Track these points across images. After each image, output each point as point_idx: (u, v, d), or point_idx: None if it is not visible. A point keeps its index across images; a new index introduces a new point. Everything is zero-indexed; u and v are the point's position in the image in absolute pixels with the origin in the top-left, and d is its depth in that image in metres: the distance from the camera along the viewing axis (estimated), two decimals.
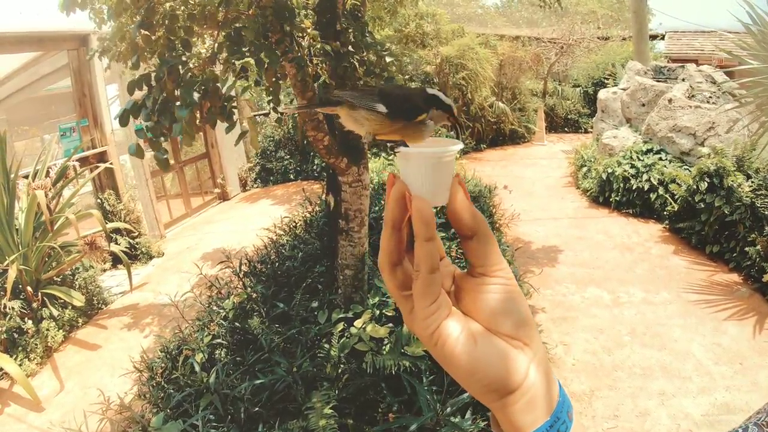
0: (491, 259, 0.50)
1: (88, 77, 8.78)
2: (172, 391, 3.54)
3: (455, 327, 0.48)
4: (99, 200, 8.55)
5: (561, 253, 6.98)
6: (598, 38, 17.14)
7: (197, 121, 2.74)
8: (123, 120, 2.62)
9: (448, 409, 2.98)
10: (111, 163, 8.45)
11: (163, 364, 3.97)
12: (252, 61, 2.66)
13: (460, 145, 0.53)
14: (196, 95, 2.54)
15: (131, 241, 8.47)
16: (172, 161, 11.95)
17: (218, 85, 2.76)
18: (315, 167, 12.28)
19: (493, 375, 0.47)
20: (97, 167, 7.96)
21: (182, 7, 3.12)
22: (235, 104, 2.80)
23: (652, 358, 4.65)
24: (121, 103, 9.73)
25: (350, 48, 3.29)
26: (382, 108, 0.58)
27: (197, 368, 3.31)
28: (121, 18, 4.26)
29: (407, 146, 0.54)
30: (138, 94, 2.85)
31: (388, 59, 3.26)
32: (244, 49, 2.56)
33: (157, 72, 2.53)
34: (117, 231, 8.09)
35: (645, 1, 11.89)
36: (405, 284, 0.51)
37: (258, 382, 3.23)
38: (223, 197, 12.58)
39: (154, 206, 9.83)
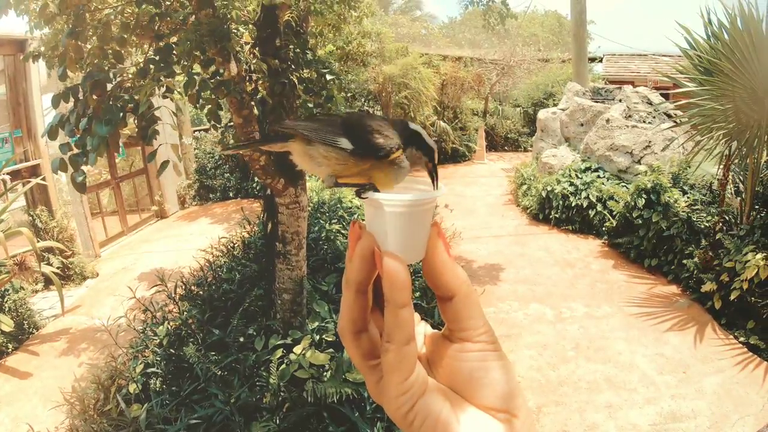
0: (474, 322, 0.43)
1: (24, 85, 8.39)
2: (105, 424, 3.33)
3: (434, 404, 0.41)
4: (31, 216, 8.12)
5: (503, 271, 7.05)
6: (539, 60, 17.71)
7: (118, 139, 2.60)
8: (52, 134, 2.48)
9: None
10: (44, 178, 8.03)
11: (95, 396, 3.74)
12: (180, 79, 2.56)
13: (442, 191, 0.46)
14: (120, 113, 2.41)
15: (64, 260, 8.06)
16: (108, 177, 11.54)
17: (151, 101, 2.64)
18: (255, 185, 12.03)
19: None
20: (29, 182, 7.56)
21: (117, 17, 3.00)
22: (156, 126, 2.67)
23: (597, 371, 4.71)
24: (57, 113, 9.31)
25: (290, 64, 3.22)
26: (346, 143, 0.47)
27: (123, 406, 3.12)
28: (55, 24, 4.08)
29: (377, 191, 0.45)
30: (63, 107, 2.71)
31: (328, 77, 3.19)
32: (174, 65, 2.45)
33: (81, 85, 2.39)
34: (49, 250, 7.69)
35: (584, 25, 12.30)
36: (371, 352, 0.44)
37: (194, 418, 3.07)
38: (161, 215, 12.20)
39: (88, 224, 9.40)
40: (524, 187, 9.83)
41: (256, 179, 11.58)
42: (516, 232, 8.58)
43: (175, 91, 2.56)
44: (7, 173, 7.25)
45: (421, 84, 12.80)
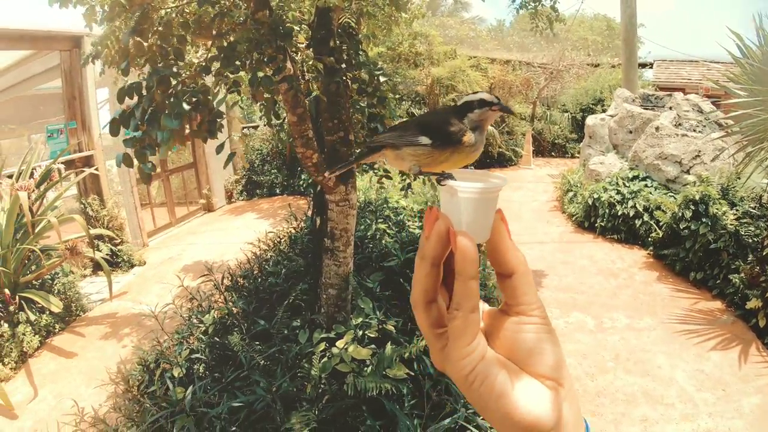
0: (529, 298, 0.49)
1: (79, 80, 8.72)
2: (148, 405, 3.45)
3: (492, 368, 0.46)
4: (82, 205, 8.44)
5: (546, 278, 6.99)
6: (588, 65, 17.40)
7: (185, 132, 2.69)
8: (113, 130, 2.58)
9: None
10: (97, 169, 8.34)
11: (140, 377, 3.88)
12: (244, 76, 2.63)
13: (506, 181, 0.51)
14: (186, 106, 2.50)
15: (113, 248, 8.35)
16: (158, 170, 11.86)
17: (209, 97, 2.73)
18: (301, 183, 12.31)
19: (530, 419, 0.45)
20: (83, 171, 7.86)
21: (177, 16, 3.10)
22: (223, 120, 2.77)
23: (635, 384, 4.64)
24: (111, 107, 9.65)
25: (343, 65, 3.28)
26: (425, 140, 0.55)
27: (170, 386, 3.23)
28: (114, 22, 4.23)
29: (454, 179, 0.50)
30: (127, 102, 2.81)
31: (381, 79, 3.24)
32: (237, 62, 2.53)
33: (147, 81, 2.49)
34: (99, 237, 7.97)
35: (635, 29, 12.07)
36: (438, 322, 0.50)
37: (237, 402, 3.16)
38: (208, 208, 12.51)
39: (138, 214, 9.72)
40: (570, 193, 9.72)
41: (302, 177, 11.79)
42: (560, 239, 8.49)
43: (243, 87, 2.64)
44: (62, 163, 7.55)
45: (469, 87, 12.77)
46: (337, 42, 3.35)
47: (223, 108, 2.83)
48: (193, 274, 6.34)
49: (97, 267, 8.20)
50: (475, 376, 0.46)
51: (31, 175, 6.81)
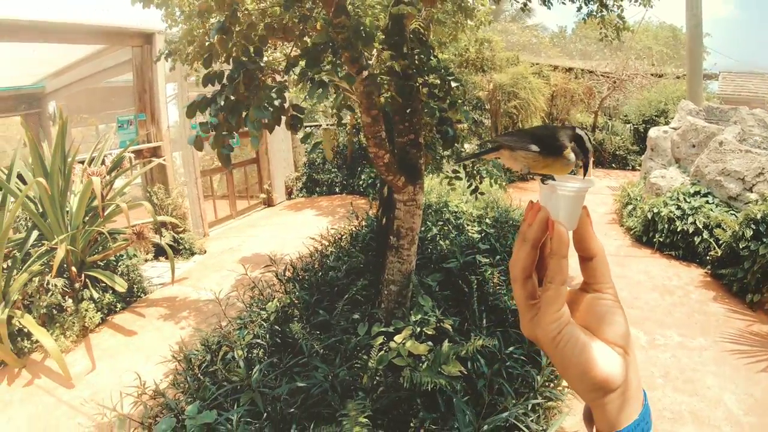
0: (605, 278, 0.60)
1: (150, 74, 9.13)
2: (208, 383, 3.63)
3: (575, 331, 0.56)
4: (148, 193, 8.83)
5: None
6: (652, 75, 16.93)
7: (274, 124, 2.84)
8: (190, 112, 2.74)
9: (485, 427, 3.01)
10: (164, 159, 8.72)
11: (201, 357, 4.07)
12: (323, 76, 2.76)
13: (594, 183, 0.62)
14: (275, 101, 2.65)
15: (175, 235, 8.70)
16: (219, 165, 12.24)
17: (286, 95, 2.88)
18: (361, 182, 12.51)
19: (603, 375, 0.54)
20: (151, 161, 8.23)
21: (260, 18, 3.26)
22: (302, 116, 2.92)
23: (683, 403, 4.57)
24: (178, 102, 10.05)
25: (415, 70, 3.38)
26: (535, 148, 0.67)
27: (241, 364, 3.40)
28: (192, 21, 4.46)
29: (554, 180, 0.62)
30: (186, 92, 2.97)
31: (453, 84, 3.33)
32: (323, 64, 2.67)
33: (232, 72, 2.65)
34: (163, 224, 8.32)
35: (700, 39, 11.74)
36: (532, 295, 0.59)
37: (300, 384, 3.30)
38: (268, 203, 12.84)
39: (200, 204, 10.10)
40: (629, 207, 9.52)
41: (362, 177, 11.97)
42: (617, 253, 8.36)
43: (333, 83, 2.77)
44: (131, 152, 7.92)
45: (531, 94, 12.63)
46: (410, 47, 3.45)
47: (303, 105, 2.99)
48: (253, 265, 6.56)
49: (159, 253, 8.57)
50: (561, 337, 0.56)
51: (103, 162, 7.17)
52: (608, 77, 16.60)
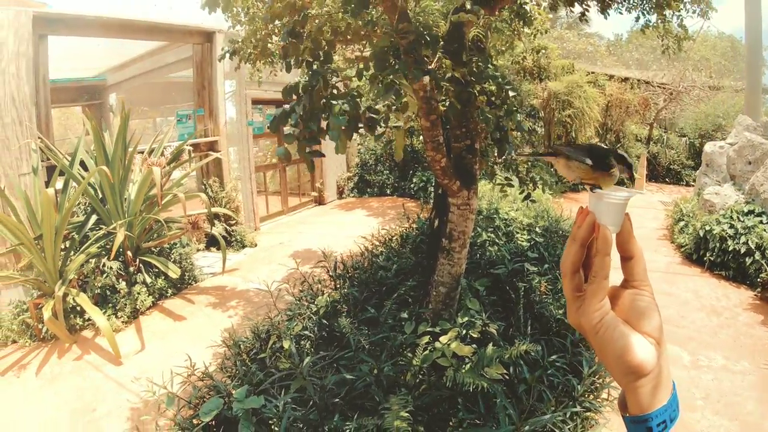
0: (642, 276, 0.69)
1: (209, 71, 9.45)
2: (254, 368, 3.77)
3: (614, 321, 0.65)
4: (203, 185, 9.12)
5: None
6: (710, 87, 16.42)
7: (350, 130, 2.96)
8: (273, 126, 2.88)
9: (527, 428, 3.06)
10: (221, 154, 9.02)
11: (250, 344, 4.22)
12: (396, 77, 2.86)
13: (635, 194, 0.72)
14: (347, 107, 2.78)
15: (228, 227, 8.97)
16: (273, 160, 12.54)
17: (359, 101, 3.00)
18: (412, 186, 12.58)
19: (638, 360, 0.63)
20: (208, 155, 8.52)
21: (327, 23, 3.39)
22: (379, 117, 3.04)
23: (721, 426, 4.48)
24: (236, 99, 10.36)
25: (473, 77, 3.45)
26: (589, 161, 0.76)
27: (293, 350, 3.53)
28: (255, 23, 4.65)
29: (600, 189, 0.72)
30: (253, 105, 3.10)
31: (511, 93, 3.40)
32: (392, 67, 2.78)
33: (309, 81, 2.79)
34: (216, 216, 8.61)
35: (760, 52, 11.37)
36: (578, 287, 0.69)
37: (348, 376, 3.42)
38: (320, 201, 13.11)
39: (253, 199, 10.41)
40: (681, 223, 9.32)
41: (413, 180, 12.07)
42: (666, 270, 8.20)
43: (402, 86, 2.87)
44: (189, 145, 8.24)
45: (586, 103, 12.48)
46: (469, 55, 3.53)
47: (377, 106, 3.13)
48: (303, 260, 6.73)
49: (210, 243, 8.87)
50: (602, 325, 0.65)
51: (162, 154, 7.47)
52: (665, 88, 16.19)
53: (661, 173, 16.17)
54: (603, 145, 0.84)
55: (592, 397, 3.70)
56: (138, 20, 8.07)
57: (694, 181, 11.69)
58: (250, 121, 10.35)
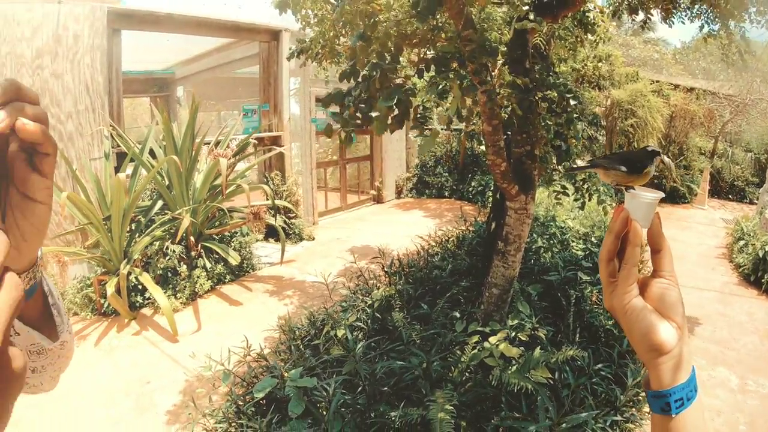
0: (669, 267, 0.78)
1: (275, 69, 9.74)
2: (308, 353, 3.95)
3: (641, 302, 0.75)
4: (265, 178, 9.41)
5: (699, 326, 6.66)
6: None
7: (388, 120, 3.11)
8: (326, 102, 3.07)
9: (564, 425, 3.13)
10: (284, 148, 9.32)
11: (305, 331, 4.39)
12: (448, 84, 2.99)
13: (662, 194, 0.82)
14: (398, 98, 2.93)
15: (287, 220, 9.23)
16: (335, 157, 12.80)
17: (412, 98, 3.15)
18: (471, 189, 12.56)
19: (658, 339, 0.72)
20: (272, 149, 8.82)
21: (395, 28, 3.53)
22: (428, 115, 3.18)
23: None
24: (299, 96, 10.66)
25: (535, 84, 3.53)
26: (624, 168, 0.89)
27: (349, 336, 3.70)
28: (324, 24, 4.84)
29: (634, 189, 0.82)
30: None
31: (572, 102, 3.47)
32: (450, 74, 2.91)
33: (369, 71, 2.96)
34: (276, 208, 8.88)
35: None
36: (612, 274, 0.78)
37: (400, 363, 3.56)
38: (378, 200, 13.25)
39: (313, 194, 10.68)
40: (741, 242, 9.00)
41: (472, 184, 12.10)
42: (722, 290, 7.97)
43: (452, 94, 3.00)
44: (254, 139, 8.56)
45: (649, 113, 12.12)
46: (531, 62, 3.61)
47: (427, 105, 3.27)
48: (359, 255, 6.90)
49: (268, 234, 9.16)
50: (630, 306, 0.74)
51: (227, 146, 7.80)
52: (731, 100, 15.45)
53: (724, 189, 15.58)
54: (637, 149, 0.98)
55: (634, 410, 3.72)
56: (208, 18, 8.41)
57: (758, 198, 11.25)
58: (313, 119, 10.63)
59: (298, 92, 10.51)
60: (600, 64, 9.91)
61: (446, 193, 13.25)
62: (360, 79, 3.15)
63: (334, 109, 3.27)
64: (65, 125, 6.95)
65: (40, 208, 0.53)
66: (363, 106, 3.08)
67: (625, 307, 0.75)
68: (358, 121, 3.13)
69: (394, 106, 3.01)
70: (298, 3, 4.48)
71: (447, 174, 13.39)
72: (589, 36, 5.14)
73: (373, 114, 3.04)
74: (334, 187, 13.13)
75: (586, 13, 4.70)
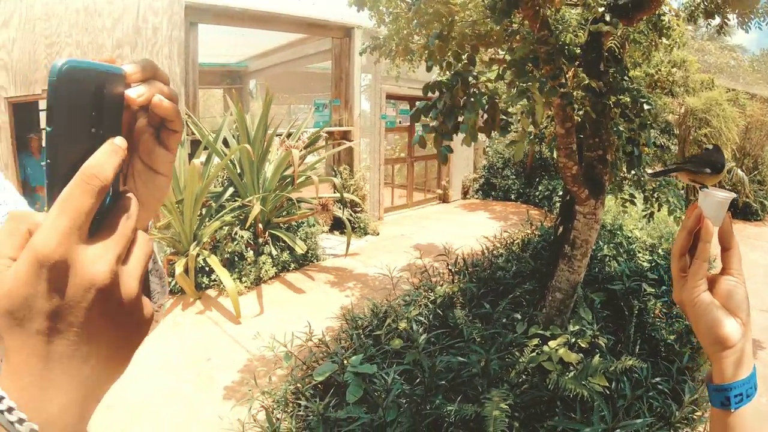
0: (738, 266, 0.81)
1: (347, 64, 9.91)
2: (368, 342, 4.01)
3: (707, 298, 0.78)
4: (333, 171, 9.57)
5: (763, 350, 6.34)
6: None
7: (476, 125, 3.16)
8: (414, 117, 3.15)
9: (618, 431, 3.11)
10: (354, 143, 9.50)
11: (367, 321, 4.48)
12: (532, 87, 3.00)
13: (734, 195, 0.86)
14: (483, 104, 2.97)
15: (353, 214, 9.38)
16: (403, 155, 12.84)
17: (496, 101, 3.18)
18: (537, 194, 12.38)
19: (723, 333, 0.75)
20: (341, 143, 8.99)
21: (471, 29, 3.58)
22: (511, 119, 3.21)
23: None
24: (369, 92, 10.80)
25: (609, 88, 3.49)
26: (708, 170, 0.94)
27: (414, 326, 3.78)
28: (398, 22, 4.91)
29: (708, 188, 0.85)
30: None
31: (645, 107, 3.41)
32: (529, 75, 2.93)
33: (450, 81, 3.01)
34: (343, 202, 9.08)
35: None
36: (683, 269, 0.82)
37: (461, 359, 3.61)
38: (444, 199, 13.23)
39: (380, 190, 10.81)
40: None
41: (539, 188, 11.94)
42: None
43: (533, 96, 3.02)
44: (325, 133, 8.75)
45: (724, 123, 11.53)
46: (606, 66, 3.57)
47: (511, 109, 3.31)
48: (423, 252, 6.97)
49: (333, 227, 9.34)
50: (699, 299, 0.77)
51: (298, 138, 8.02)
52: None
53: None
54: (710, 148, 1.02)
55: (688, 428, 3.62)
56: (282, 13, 8.63)
57: None
58: (383, 115, 10.74)
59: (369, 88, 10.63)
60: (674, 70, 9.50)
61: (512, 196, 13.08)
62: (444, 90, 3.21)
63: (425, 122, 3.35)
64: None
65: (161, 179, 0.57)
66: (447, 117, 3.13)
67: (693, 300, 0.78)
68: (448, 133, 3.19)
69: (483, 113, 3.06)
70: (375, 1, 4.59)
71: (514, 177, 13.22)
72: (664, 40, 5.01)
73: (460, 119, 3.10)
74: (401, 184, 13.19)
75: (661, 17, 4.59)
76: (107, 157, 0.43)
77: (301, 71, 14.84)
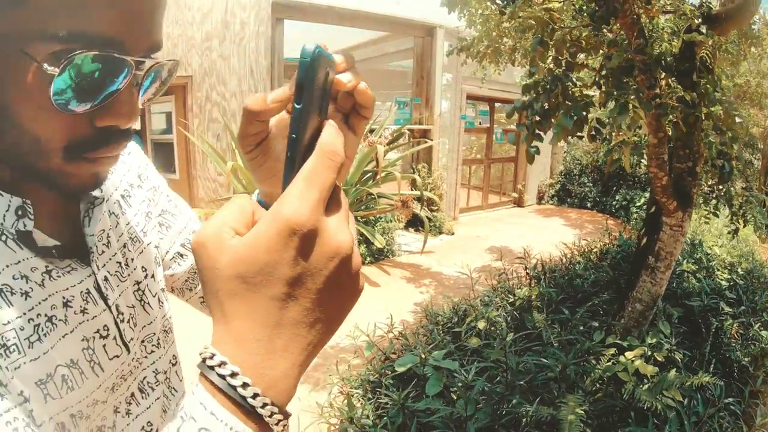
0: None
1: (428, 64, 10.00)
2: (446, 338, 4.14)
3: None
4: (412, 169, 9.71)
5: None
6: None
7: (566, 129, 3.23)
8: (510, 113, 3.26)
9: None
10: (433, 142, 9.62)
11: (447, 318, 4.60)
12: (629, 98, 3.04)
13: None
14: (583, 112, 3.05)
15: (429, 212, 9.50)
16: (481, 156, 12.83)
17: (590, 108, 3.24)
18: (615, 203, 12.06)
19: None
20: (424, 141, 9.10)
21: (569, 36, 3.62)
22: (602, 128, 3.27)
23: None
24: (449, 91, 10.87)
25: (701, 99, 3.45)
26: None
27: (503, 323, 3.88)
28: (488, 24, 4.98)
29: None
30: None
31: (737, 120, 3.35)
32: (627, 85, 2.98)
33: (549, 84, 3.10)
34: (419, 199, 9.22)
35: None
36: None
37: (544, 361, 3.69)
38: (518, 203, 13.13)
39: (456, 190, 10.89)
40: None
41: (616, 198, 11.68)
42: None
43: (631, 105, 3.06)
44: (407, 130, 8.91)
45: None
46: (698, 76, 3.52)
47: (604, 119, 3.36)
48: (496, 254, 6.98)
49: (409, 224, 9.51)
50: None
51: (380, 135, 8.19)
52: None
53: None
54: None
55: None
56: (367, 11, 8.81)
57: None
58: (463, 115, 10.80)
59: (450, 88, 10.68)
60: (763, 81, 8.98)
61: (588, 204, 12.79)
62: (541, 91, 3.30)
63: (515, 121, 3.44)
64: (229, 103, 7.79)
65: (346, 162, 0.57)
66: (543, 118, 3.22)
67: None
68: (536, 134, 3.28)
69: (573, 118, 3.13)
70: (467, 2, 4.69)
71: (591, 184, 12.91)
72: (753, 49, 4.85)
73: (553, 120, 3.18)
74: (476, 186, 13.17)
75: (752, 26, 4.46)
76: (337, 136, 0.46)
77: (381, 68, 15.05)
